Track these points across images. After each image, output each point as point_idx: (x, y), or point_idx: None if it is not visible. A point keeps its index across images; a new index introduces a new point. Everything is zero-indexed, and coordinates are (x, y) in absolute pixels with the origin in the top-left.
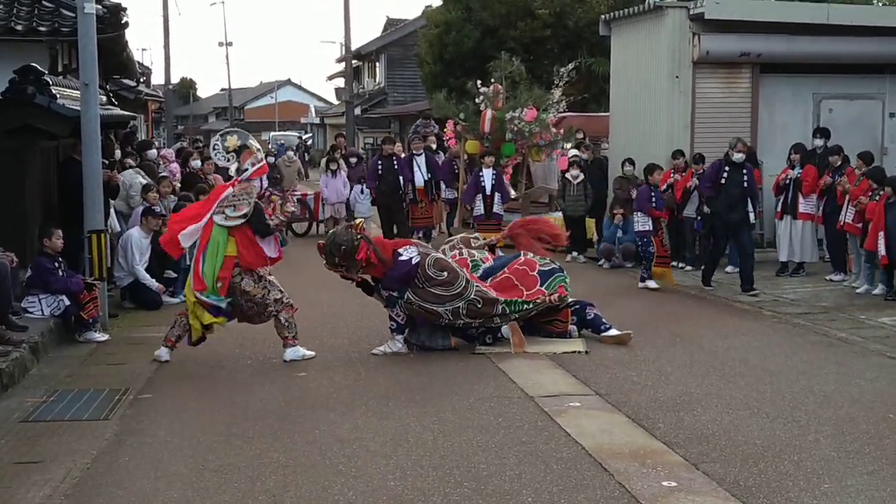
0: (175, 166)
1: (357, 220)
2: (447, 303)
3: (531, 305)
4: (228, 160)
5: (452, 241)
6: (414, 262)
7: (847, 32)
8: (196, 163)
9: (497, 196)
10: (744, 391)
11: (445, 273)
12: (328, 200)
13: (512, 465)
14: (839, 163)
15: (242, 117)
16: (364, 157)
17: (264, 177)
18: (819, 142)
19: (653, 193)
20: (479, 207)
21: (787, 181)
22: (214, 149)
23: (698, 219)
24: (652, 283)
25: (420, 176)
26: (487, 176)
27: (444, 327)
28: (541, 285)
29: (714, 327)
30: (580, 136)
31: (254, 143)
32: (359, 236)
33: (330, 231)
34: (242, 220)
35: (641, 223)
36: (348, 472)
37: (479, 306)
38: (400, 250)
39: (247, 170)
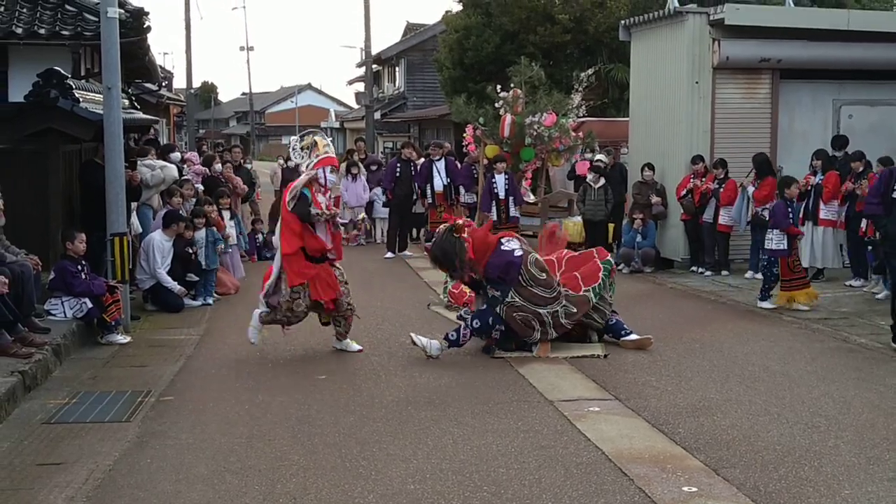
0: (199, 168)
1: (459, 222)
2: (548, 305)
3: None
4: (303, 157)
5: None
6: (517, 254)
7: (867, 38)
8: (217, 166)
9: (511, 200)
10: (763, 396)
11: (545, 274)
12: (348, 204)
13: (531, 469)
14: (861, 168)
15: (263, 121)
16: (383, 163)
17: (328, 168)
18: (838, 153)
19: (790, 209)
20: (494, 213)
21: (809, 188)
22: (293, 150)
23: (870, 249)
24: (767, 304)
25: (439, 180)
26: (500, 181)
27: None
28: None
29: (734, 333)
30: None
31: (322, 139)
32: (460, 237)
33: (434, 240)
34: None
35: (776, 241)
36: (368, 475)
37: (574, 310)
38: (503, 240)
39: (313, 160)
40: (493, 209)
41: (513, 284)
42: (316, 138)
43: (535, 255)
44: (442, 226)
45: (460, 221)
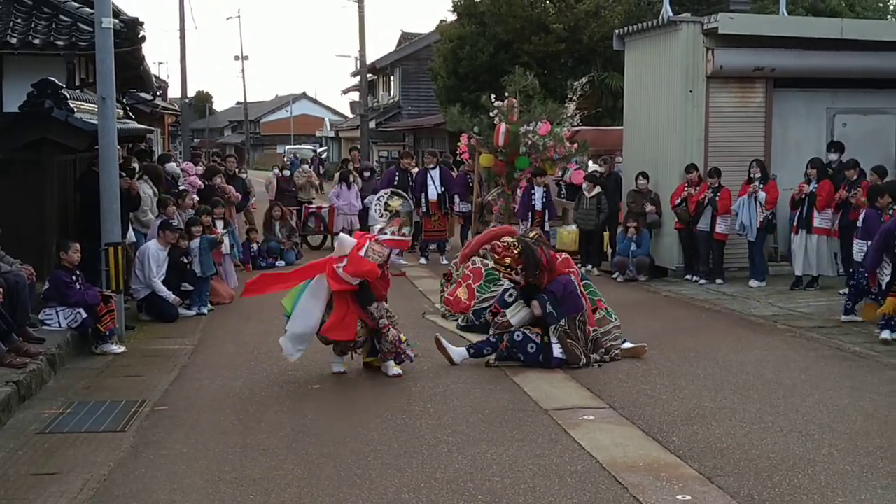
0: (195, 179)
1: (532, 233)
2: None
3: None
4: (382, 216)
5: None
6: (579, 292)
7: (861, 47)
8: (218, 180)
9: (546, 213)
10: (758, 405)
11: (591, 329)
12: (339, 210)
13: (526, 478)
14: (855, 177)
15: (258, 131)
16: (377, 171)
17: (395, 250)
18: (833, 156)
19: (882, 219)
20: (527, 225)
21: (803, 196)
22: (379, 200)
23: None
24: (857, 318)
25: (434, 189)
26: (538, 194)
27: None
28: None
29: (728, 341)
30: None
31: (409, 215)
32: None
33: (523, 243)
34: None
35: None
36: (363, 484)
37: (601, 336)
38: (570, 274)
39: (386, 235)
40: (529, 223)
41: (567, 315)
42: (405, 211)
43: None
44: (513, 240)
45: (533, 233)
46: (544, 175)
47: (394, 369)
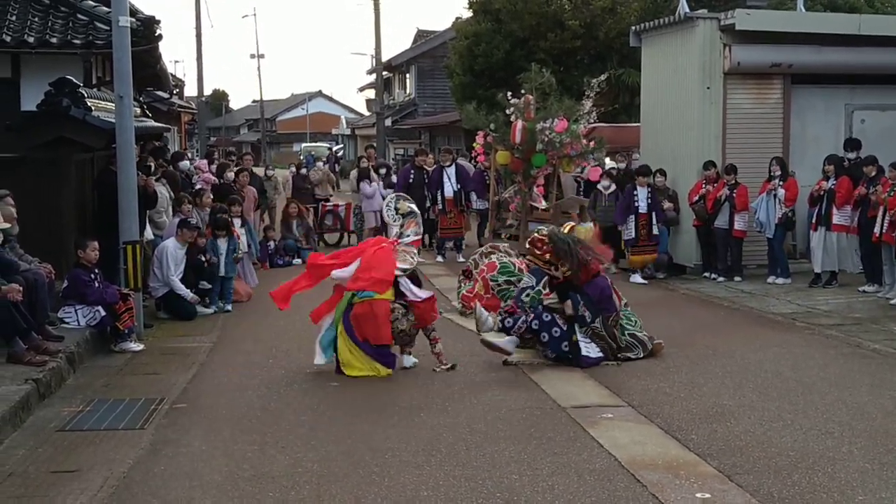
0: (208, 176)
1: (569, 224)
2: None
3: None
4: (395, 220)
5: (482, 250)
6: (613, 294)
7: (879, 43)
8: (230, 174)
9: (654, 216)
10: (777, 403)
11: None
12: (369, 207)
13: (544, 476)
14: (874, 173)
15: (274, 129)
16: (392, 168)
17: (415, 249)
18: (851, 154)
19: None
20: (631, 230)
21: (821, 193)
22: (388, 205)
23: None
24: None
25: (450, 186)
26: (642, 195)
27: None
28: None
29: (747, 339)
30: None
31: (416, 215)
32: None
33: (561, 233)
34: (403, 272)
35: None
36: (381, 481)
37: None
38: (605, 274)
39: (408, 236)
40: (632, 226)
41: (601, 315)
42: (415, 212)
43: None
44: (569, 223)
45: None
46: (648, 174)
47: (410, 359)
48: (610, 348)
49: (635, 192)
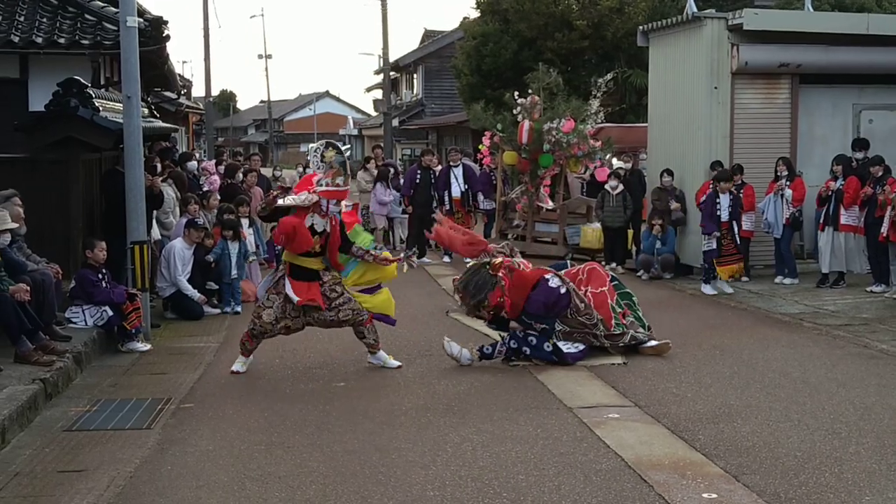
0: (215, 178)
1: (497, 260)
2: (593, 328)
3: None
4: (318, 167)
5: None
6: (562, 291)
7: (887, 42)
8: (239, 175)
9: (734, 224)
10: (784, 403)
11: (583, 304)
12: (376, 212)
13: (551, 476)
14: (881, 173)
15: (281, 129)
16: (399, 169)
17: (332, 201)
18: (859, 154)
19: None
20: (712, 242)
21: (829, 193)
22: (316, 151)
23: None
24: None
25: (457, 187)
26: (724, 202)
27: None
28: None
29: (754, 339)
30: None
31: (342, 170)
32: (499, 278)
33: (468, 273)
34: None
35: None
36: (388, 482)
37: (616, 333)
38: (546, 276)
39: (325, 185)
40: (714, 239)
41: (559, 317)
42: (338, 165)
43: (573, 286)
44: (474, 263)
45: (498, 260)
46: (729, 179)
47: (392, 361)
48: (592, 335)
49: (718, 200)
